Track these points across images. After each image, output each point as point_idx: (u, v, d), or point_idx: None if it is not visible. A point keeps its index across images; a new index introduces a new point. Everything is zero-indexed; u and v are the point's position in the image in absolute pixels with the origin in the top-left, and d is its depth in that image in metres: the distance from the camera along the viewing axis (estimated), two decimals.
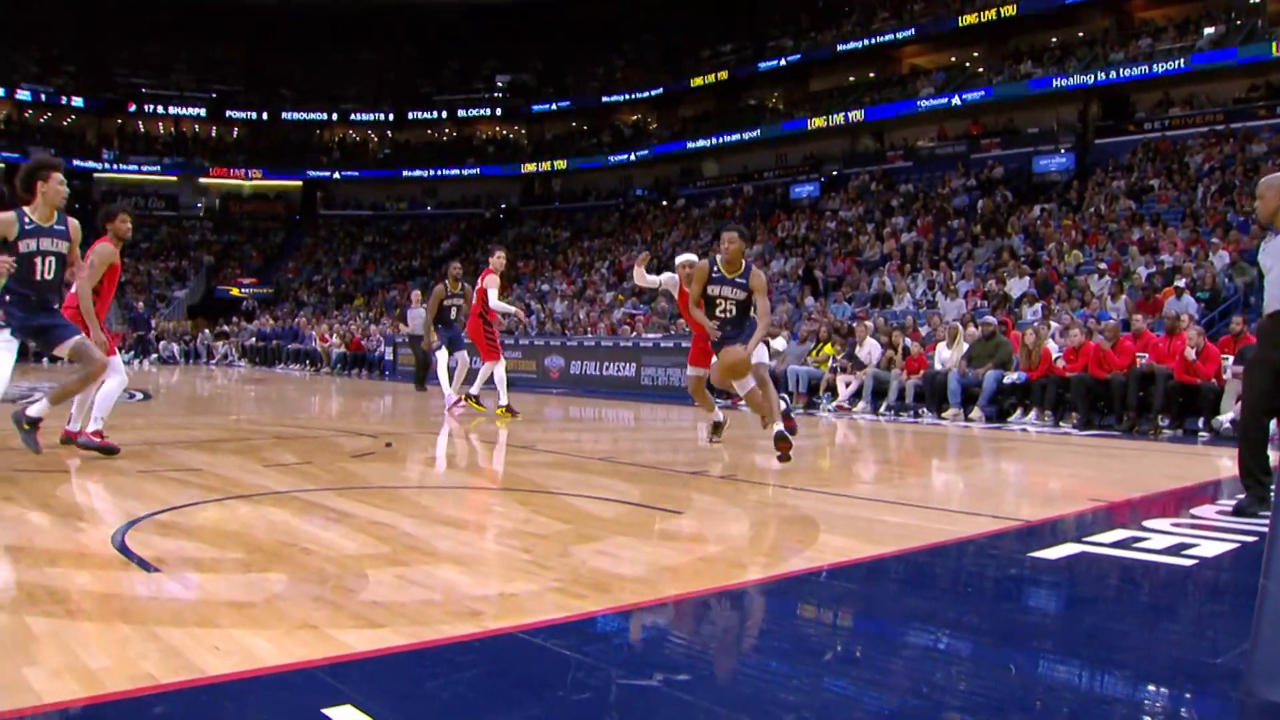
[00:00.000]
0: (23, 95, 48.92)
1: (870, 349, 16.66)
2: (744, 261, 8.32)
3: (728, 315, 8.30)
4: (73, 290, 7.60)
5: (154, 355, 35.00)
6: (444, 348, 14.29)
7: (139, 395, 16.73)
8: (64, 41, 51.15)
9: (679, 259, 9.67)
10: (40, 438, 7.08)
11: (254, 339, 35.31)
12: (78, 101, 50.35)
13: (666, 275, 9.63)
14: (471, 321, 13.23)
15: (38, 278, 6.90)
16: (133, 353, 33.39)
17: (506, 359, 14.06)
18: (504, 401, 12.87)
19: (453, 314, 14.37)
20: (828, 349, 17.55)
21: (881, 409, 15.65)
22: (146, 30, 52.18)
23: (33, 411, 7.02)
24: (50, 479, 6.48)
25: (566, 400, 18.47)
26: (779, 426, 8.19)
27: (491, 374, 13.12)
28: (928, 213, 29.84)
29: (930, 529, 5.37)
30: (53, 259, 6.96)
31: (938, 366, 15.45)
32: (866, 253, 28.10)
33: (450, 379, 14.17)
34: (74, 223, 7.20)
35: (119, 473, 6.76)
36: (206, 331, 38.41)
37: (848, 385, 16.34)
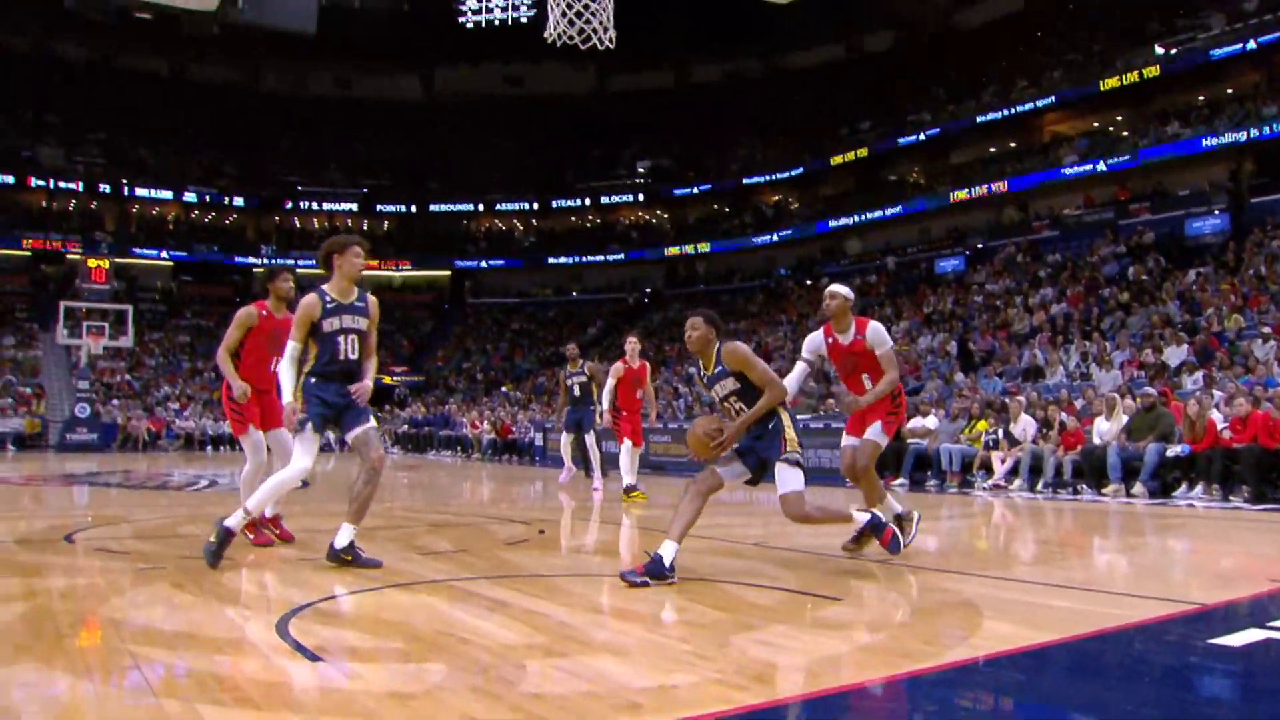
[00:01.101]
0: (189, 197, 51.83)
1: (1024, 425, 16.43)
2: (714, 350, 6.84)
3: (738, 412, 6.68)
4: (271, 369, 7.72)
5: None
6: (567, 429, 15.20)
7: (299, 484, 17.35)
8: (226, 146, 54.15)
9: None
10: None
11: (406, 426, 36.33)
12: (238, 201, 53.11)
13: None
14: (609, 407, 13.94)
15: (342, 357, 6.85)
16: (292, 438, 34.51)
17: (655, 442, 14.53)
18: (629, 482, 13.36)
19: (576, 392, 14.95)
20: (980, 425, 17.36)
21: (1038, 486, 15.38)
22: (300, 132, 55.24)
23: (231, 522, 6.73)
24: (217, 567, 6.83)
25: None
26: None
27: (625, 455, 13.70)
28: (1077, 282, 29.30)
29: (1098, 613, 5.27)
30: (354, 337, 6.89)
31: (1096, 441, 15.16)
32: (1015, 326, 27.71)
33: (586, 461, 14.89)
34: (373, 299, 7.15)
35: (281, 559, 7.09)
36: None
37: (1003, 462, 16.14)
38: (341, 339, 6.85)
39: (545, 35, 5.40)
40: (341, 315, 6.86)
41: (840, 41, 50.29)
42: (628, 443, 13.78)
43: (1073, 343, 23.83)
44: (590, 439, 15.42)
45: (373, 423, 7.00)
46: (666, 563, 6.05)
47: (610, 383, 13.96)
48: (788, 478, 6.45)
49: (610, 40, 5.39)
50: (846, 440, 7.52)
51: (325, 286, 6.95)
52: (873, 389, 7.28)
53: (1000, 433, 16.64)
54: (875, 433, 7.26)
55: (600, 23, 5.40)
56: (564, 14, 5.32)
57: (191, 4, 12.37)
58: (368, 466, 6.86)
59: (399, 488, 18.08)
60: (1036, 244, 35.16)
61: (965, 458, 16.91)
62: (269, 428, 7.94)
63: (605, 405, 14.09)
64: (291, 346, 6.81)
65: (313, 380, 6.84)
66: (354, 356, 6.91)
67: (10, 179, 47.48)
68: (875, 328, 7.26)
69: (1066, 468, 15.30)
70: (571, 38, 5.41)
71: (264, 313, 7.80)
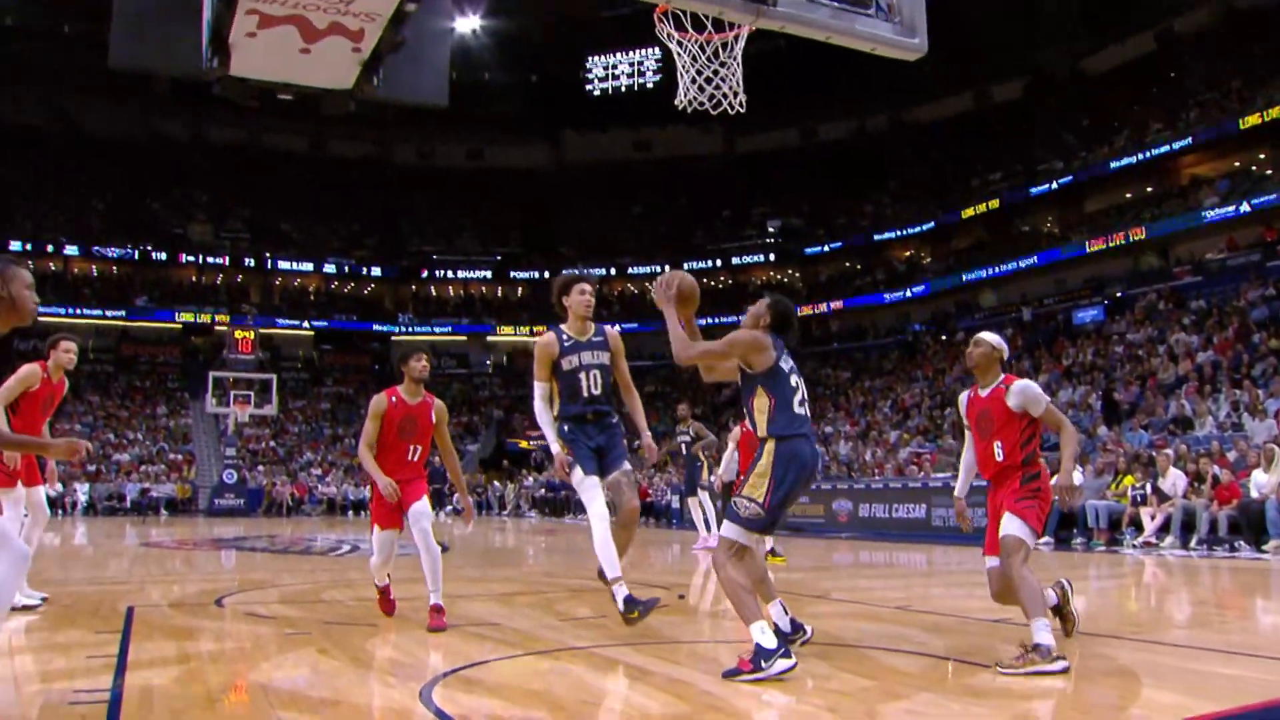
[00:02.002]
0: (329, 268, 53.91)
1: (1174, 479, 15.88)
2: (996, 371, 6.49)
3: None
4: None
5: (448, 507, 36.79)
6: (687, 491, 15.24)
7: (438, 548, 17.59)
8: (363, 217, 56.14)
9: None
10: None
11: (543, 490, 36.64)
12: (376, 270, 54.99)
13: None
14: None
15: (585, 394, 6.85)
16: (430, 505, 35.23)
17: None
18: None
19: (682, 450, 15.02)
20: (1127, 480, 16.84)
21: (1192, 543, 14.81)
22: (434, 201, 56.84)
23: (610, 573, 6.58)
24: (360, 632, 6.94)
25: (856, 545, 18.34)
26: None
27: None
28: (1224, 329, 28.31)
29: (1266, 681, 5.05)
30: (596, 372, 6.89)
31: (1253, 494, 14.57)
32: (1160, 376, 26.86)
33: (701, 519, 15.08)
34: (612, 331, 7.18)
35: (422, 626, 7.06)
36: (496, 484, 40.32)
37: (1153, 518, 15.61)
38: (583, 376, 6.86)
39: (676, 103, 5.47)
40: (580, 352, 6.86)
41: (968, 92, 49.82)
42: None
43: (1222, 392, 23.00)
44: (699, 497, 15.47)
45: (628, 466, 7.00)
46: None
47: (730, 446, 13.62)
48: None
49: (741, 105, 5.43)
50: (990, 562, 6.24)
51: (562, 325, 6.96)
52: (1068, 456, 6.23)
53: (1148, 487, 16.10)
54: (1014, 527, 5.90)
55: (730, 87, 5.44)
56: (693, 80, 5.37)
57: (329, 84, 12.87)
58: (623, 513, 6.93)
59: (537, 551, 18.22)
60: (1179, 290, 34.04)
61: (1112, 514, 16.40)
62: (409, 503, 7.32)
63: (722, 470, 13.94)
64: (539, 386, 6.86)
65: (566, 427, 6.81)
66: (597, 392, 6.91)
67: (164, 255, 50.12)
68: (1025, 385, 6.23)
69: (1221, 523, 14.72)
70: (702, 104, 5.46)
71: (394, 400, 7.42)
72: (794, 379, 5.67)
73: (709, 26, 5.43)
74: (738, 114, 5.97)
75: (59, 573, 11.74)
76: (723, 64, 5.55)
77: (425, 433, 7.39)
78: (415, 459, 7.40)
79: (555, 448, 6.72)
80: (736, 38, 5.49)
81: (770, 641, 5.06)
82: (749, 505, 5.46)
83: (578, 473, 6.67)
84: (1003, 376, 6.39)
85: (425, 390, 7.52)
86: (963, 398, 6.62)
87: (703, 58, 5.53)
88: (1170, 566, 12.54)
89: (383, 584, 7.53)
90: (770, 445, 5.53)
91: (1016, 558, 5.78)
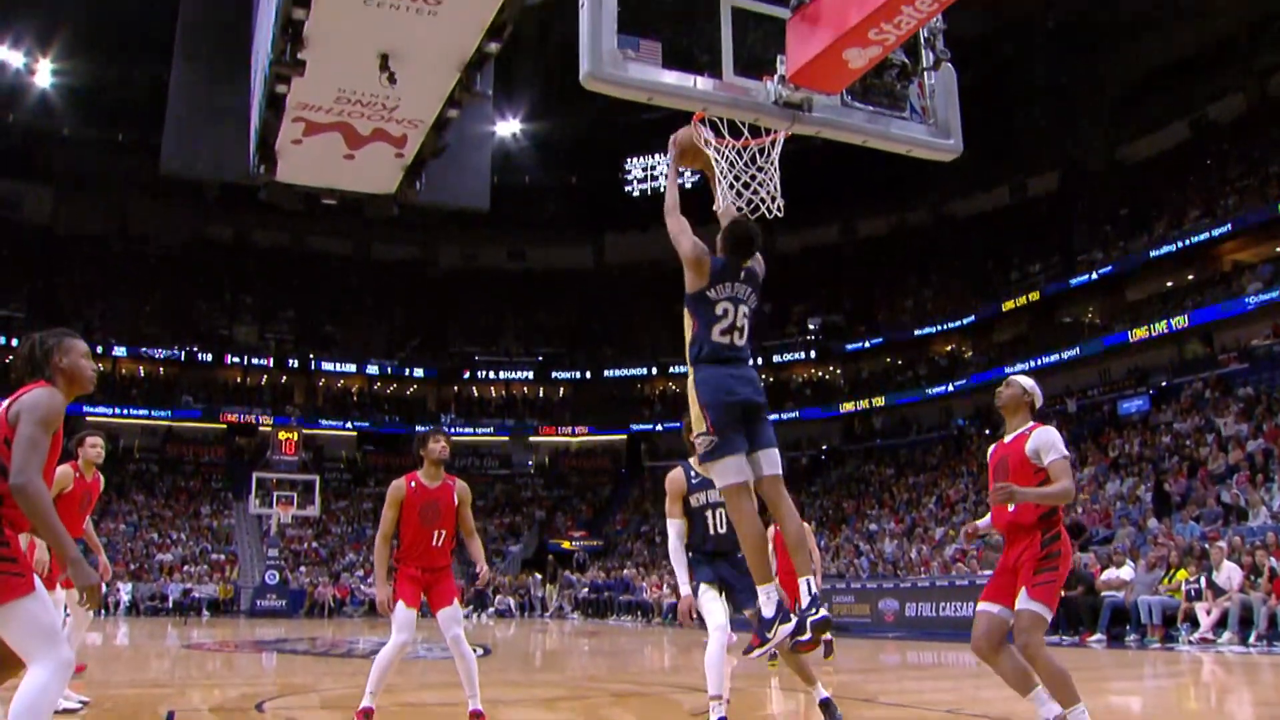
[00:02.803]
0: (372, 369, 54.41)
1: (1229, 572, 15.57)
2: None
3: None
4: None
5: (490, 609, 36.64)
6: None
7: (479, 651, 17.51)
8: (406, 319, 56.81)
9: None
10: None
11: (586, 591, 36.42)
12: (418, 372, 55.39)
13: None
14: None
15: (712, 532, 6.56)
16: (471, 606, 35.33)
17: (839, 603, 14.05)
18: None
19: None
20: (1180, 575, 16.52)
21: (1250, 639, 14.45)
22: (476, 303, 57.45)
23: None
24: None
25: (903, 645, 18.04)
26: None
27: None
28: (1273, 415, 27.93)
29: None
30: (721, 510, 6.42)
31: None
32: (1210, 466, 26.46)
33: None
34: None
35: None
36: (536, 576, 40.20)
37: (1208, 613, 15.26)
38: (710, 514, 6.58)
39: (715, 209, 5.54)
40: (708, 490, 6.49)
41: (1005, 185, 49.99)
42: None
43: (1274, 481, 22.61)
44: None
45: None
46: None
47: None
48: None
49: (779, 209, 5.49)
50: (984, 606, 5.91)
51: (690, 460, 6.66)
52: (1037, 490, 5.77)
53: (1203, 581, 15.77)
54: (1033, 605, 5.62)
55: (768, 192, 5.50)
56: (731, 186, 5.45)
57: (372, 189, 13.17)
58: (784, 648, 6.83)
59: (581, 654, 18.05)
60: (1225, 378, 33.66)
61: (1166, 610, 16.06)
62: (438, 607, 7.19)
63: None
64: (673, 524, 6.61)
65: (690, 555, 6.59)
66: (723, 531, 6.53)
67: (210, 357, 50.89)
68: (1046, 432, 5.96)
69: None
70: (740, 208, 5.54)
71: (413, 485, 7.20)
72: (723, 306, 5.48)
73: (745, 132, 5.51)
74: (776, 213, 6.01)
75: (100, 674, 11.72)
76: (759, 169, 5.61)
77: (449, 517, 7.21)
78: (441, 544, 7.20)
79: (686, 589, 6.49)
80: (774, 143, 5.56)
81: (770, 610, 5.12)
82: (701, 438, 5.36)
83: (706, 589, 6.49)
84: (1030, 423, 6.12)
85: (445, 472, 7.36)
86: (992, 446, 6.34)
87: (740, 163, 5.60)
88: (1229, 664, 12.23)
89: (367, 706, 6.96)
90: (690, 374, 5.46)
91: (1035, 636, 5.52)
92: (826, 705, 6.82)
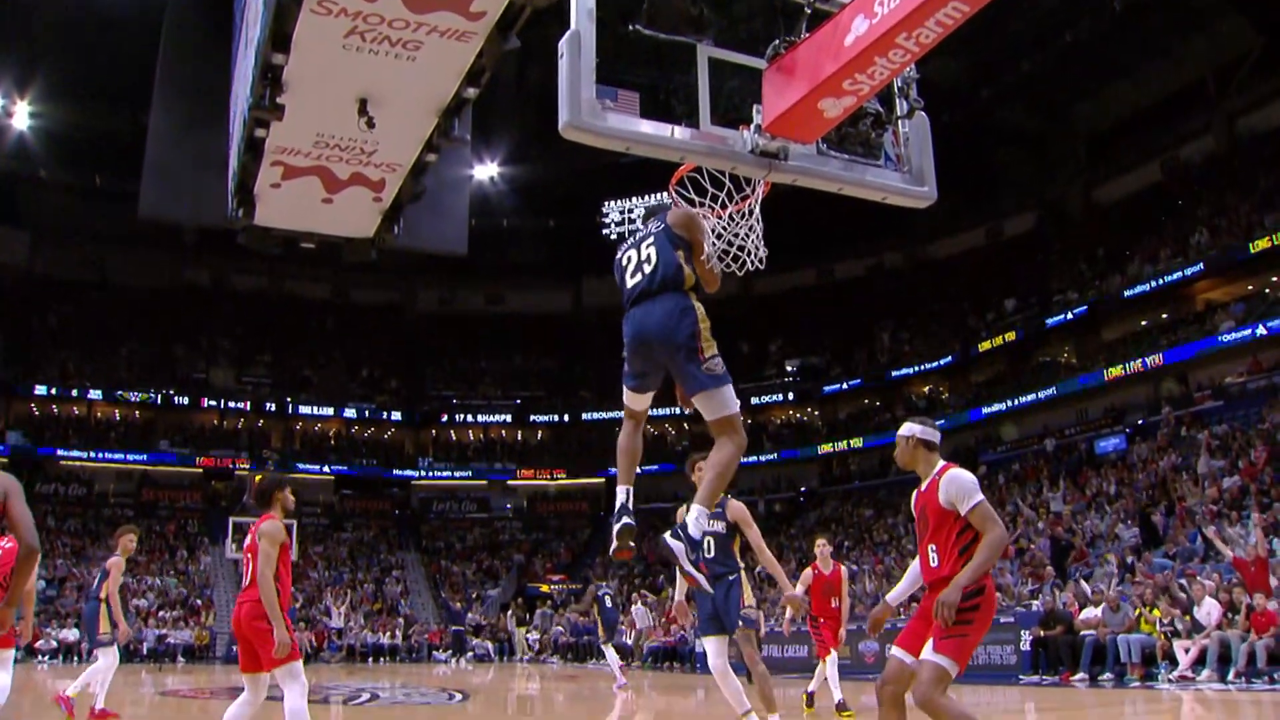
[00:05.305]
0: (349, 413, 53.95)
1: (1209, 609, 15.62)
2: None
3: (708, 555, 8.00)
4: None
5: (469, 653, 36.47)
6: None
7: (458, 696, 17.40)
8: (384, 363, 56.69)
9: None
10: None
11: (566, 635, 36.26)
12: (396, 415, 55.07)
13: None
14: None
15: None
16: (450, 651, 35.28)
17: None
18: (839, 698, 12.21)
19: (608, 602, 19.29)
20: (1156, 612, 16.58)
21: (1229, 676, 14.49)
22: (455, 347, 57.35)
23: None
24: None
25: None
26: None
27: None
28: (1249, 453, 28.11)
29: None
30: (711, 539, 7.89)
31: None
32: (1187, 503, 26.56)
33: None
34: (734, 504, 8.16)
35: None
36: (511, 617, 40.31)
37: (1187, 651, 15.30)
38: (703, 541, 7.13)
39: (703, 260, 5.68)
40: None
41: (981, 227, 50.34)
42: (833, 654, 12.55)
43: (1250, 517, 22.70)
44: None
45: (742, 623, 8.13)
46: None
47: (800, 589, 12.76)
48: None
49: (761, 261, 5.64)
50: (896, 650, 5.71)
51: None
52: (969, 571, 5.39)
53: (1176, 620, 15.82)
54: (933, 654, 5.37)
55: (751, 244, 5.64)
56: (713, 245, 5.58)
57: (350, 233, 13.21)
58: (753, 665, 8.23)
59: (558, 699, 17.95)
60: (1200, 416, 33.89)
61: (1145, 648, 16.10)
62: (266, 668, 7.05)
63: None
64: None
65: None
66: (710, 555, 7.92)
67: (186, 400, 50.48)
68: (954, 476, 5.67)
69: (1260, 654, 14.40)
70: (728, 266, 5.69)
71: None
72: (628, 255, 5.87)
73: (724, 198, 5.67)
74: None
75: None
76: (740, 224, 5.76)
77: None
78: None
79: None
80: (756, 199, 5.70)
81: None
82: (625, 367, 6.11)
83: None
84: (939, 466, 5.83)
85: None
86: (914, 494, 6.04)
87: (720, 223, 5.77)
88: (1209, 701, 12.26)
89: None
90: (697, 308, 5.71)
91: (935, 690, 5.23)
92: None
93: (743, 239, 5.78)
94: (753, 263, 5.83)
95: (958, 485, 5.57)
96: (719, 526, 8.02)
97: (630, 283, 5.78)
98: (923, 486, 5.82)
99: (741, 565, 8.32)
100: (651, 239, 5.74)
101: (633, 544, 5.75)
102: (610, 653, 20.45)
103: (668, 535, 5.64)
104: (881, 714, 5.51)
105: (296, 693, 6.71)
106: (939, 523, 5.60)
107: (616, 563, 47.46)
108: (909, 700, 5.39)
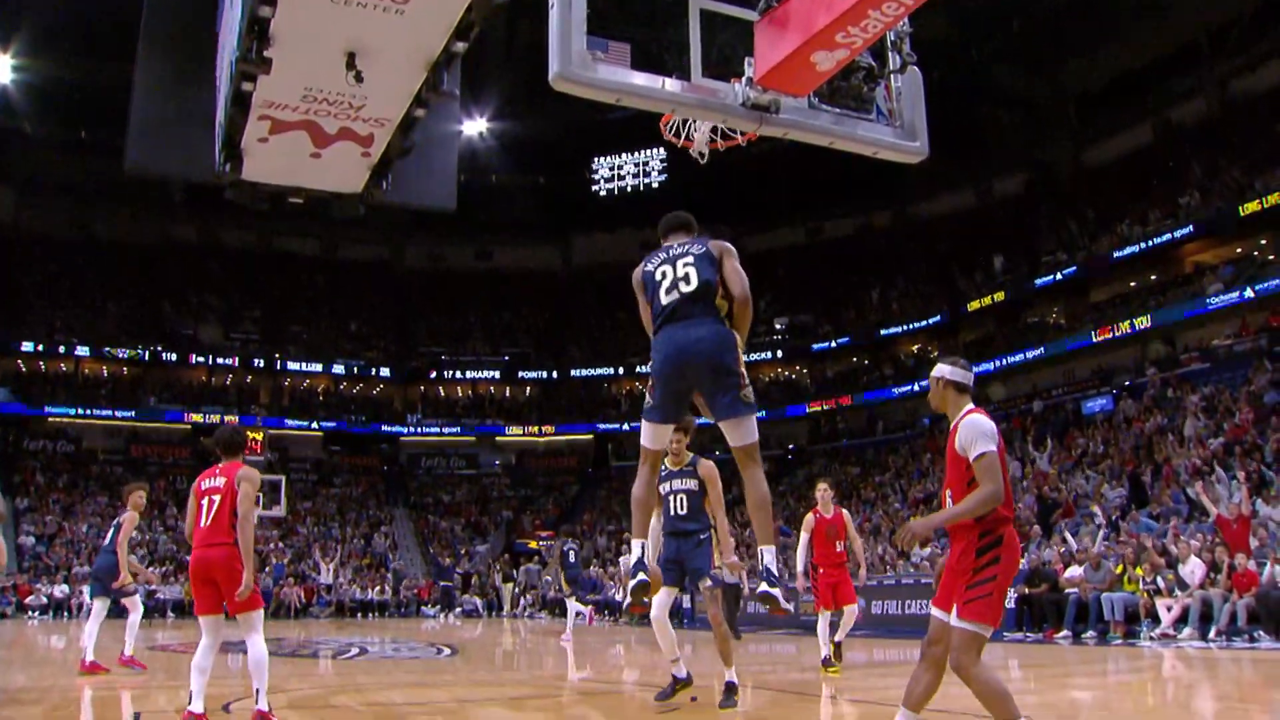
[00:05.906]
0: (338, 369, 53.87)
1: (1193, 568, 15.74)
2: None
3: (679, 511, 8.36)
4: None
5: (458, 609, 36.68)
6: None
7: (446, 651, 17.48)
8: (373, 319, 56.62)
9: None
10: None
11: (554, 591, 36.41)
12: (385, 372, 54.94)
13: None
14: None
15: (672, 514, 8.30)
16: (438, 606, 35.44)
17: (804, 602, 14.04)
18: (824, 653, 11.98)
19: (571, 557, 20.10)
20: (1138, 570, 16.70)
21: (1210, 635, 14.62)
22: (444, 303, 57.36)
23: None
24: None
25: (869, 643, 18.13)
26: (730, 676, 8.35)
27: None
28: (1234, 415, 28.23)
29: None
30: (683, 496, 8.30)
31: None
32: (1172, 463, 26.70)
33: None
34: (705, 463, 8.40)
35: None
36: (499, 572, 40.59)
37: (1169, 610, 15.43)
38: (671, 499, 8.29)
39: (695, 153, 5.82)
40: (672, 480, 8.33)
41: (970, 187, 50.21)
42: (824, 610, 12.23)
43: (1235, 478, 22.83)
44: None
45: (709, 583, 8.39)
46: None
47: (804, 537, 12.53)
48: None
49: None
50: (934, 610, 5.43)
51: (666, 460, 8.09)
52: (947, 513, 5.38)
53: (1159, 582, 15.94)
54: (959, 622, 5.20)
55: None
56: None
57: (339, 188, 13.11)
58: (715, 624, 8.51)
59: (547, 654, 18.05)
60: (1187, 378, 33.96)
61: (1128, 606, 16.23)
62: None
63: (800, 566, 12.98)
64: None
65: (664, 540, 8.26)
66: (683, 512, 8.25)
67: (174, 357, 50.35)
68: (972, 422, 5.51)
69: (1241, 613, 14.53)
70: (703, 153, 5.79)
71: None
72: (662, 270, 6.10)
73: (712, 137, 5.66)
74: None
75: (64, 677, 11.65)
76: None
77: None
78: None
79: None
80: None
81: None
82: (646, 399, 6.40)
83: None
84: (966, 409, 5.65)
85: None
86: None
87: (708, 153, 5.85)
88: (1190, 659, 12.37)
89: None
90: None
91: (968, 656, 5.10)
92: (730, 687, 8.15)
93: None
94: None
95: (974, 430, 5.40)
96: (691, 484, 8.27)
97: (665, 299, 5.95)
98: (951, 430, 5.60)
99: (713, 525, 8.42)
100: (692, 260, 5.98)
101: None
102: (571, 605, 21.02)
103: (767, 587, 5.89)
104: (916, 669, 5.41)
105: (259, 643, 7.25)
106: (952, 466, 5.46)
107: (605, 521, 47.70)
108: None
